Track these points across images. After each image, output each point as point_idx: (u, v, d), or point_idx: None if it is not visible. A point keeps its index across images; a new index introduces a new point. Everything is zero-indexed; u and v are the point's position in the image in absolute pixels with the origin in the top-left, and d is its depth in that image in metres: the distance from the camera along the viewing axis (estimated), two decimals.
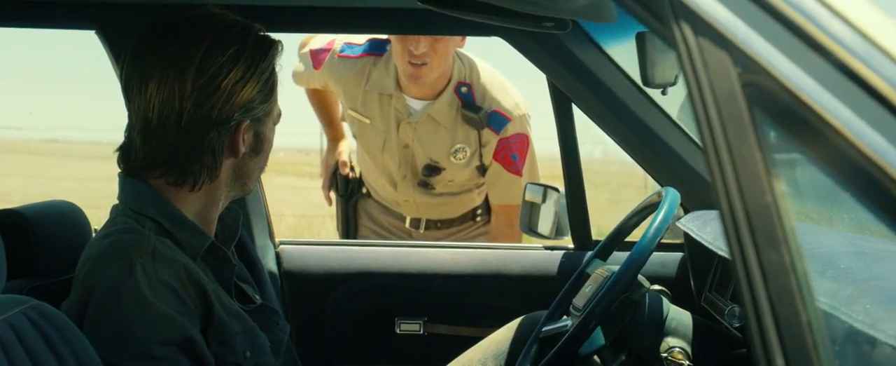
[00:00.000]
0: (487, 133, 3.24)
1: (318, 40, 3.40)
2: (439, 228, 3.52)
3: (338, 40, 3.36)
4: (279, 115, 1.89)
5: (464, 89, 3.20)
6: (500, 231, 3.43)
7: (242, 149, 1.79)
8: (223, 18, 1.79)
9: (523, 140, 3.28)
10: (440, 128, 3.25)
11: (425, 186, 3.38)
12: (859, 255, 1.47)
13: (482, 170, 3.33)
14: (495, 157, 3.27)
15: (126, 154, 1.80)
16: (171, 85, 1.72)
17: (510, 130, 3.24)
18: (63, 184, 13.41)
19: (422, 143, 3.28)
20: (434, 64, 3.09)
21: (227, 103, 1.73)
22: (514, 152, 3.26)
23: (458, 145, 3.25)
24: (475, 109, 3.20)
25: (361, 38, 3.32)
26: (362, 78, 3.29)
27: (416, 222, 3.52)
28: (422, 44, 3.02)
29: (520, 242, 3.43)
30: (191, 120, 1.72)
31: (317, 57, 3.38)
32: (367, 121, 3.34)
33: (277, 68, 1.83)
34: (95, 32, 2.29)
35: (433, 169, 3.31)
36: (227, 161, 1.80)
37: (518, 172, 3.30)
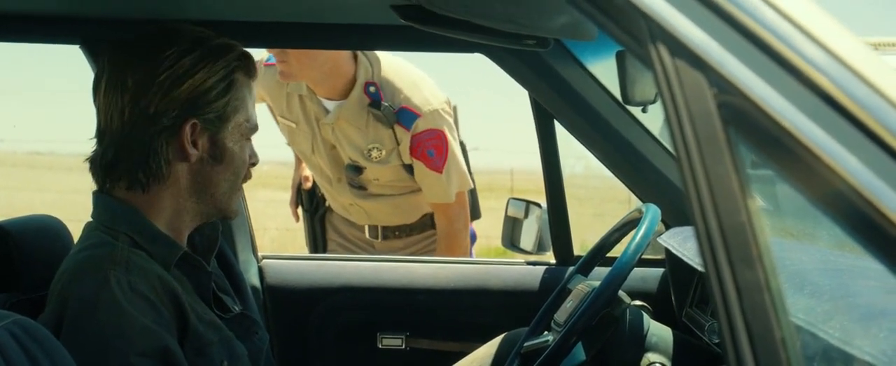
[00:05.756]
0: (400, 130, 3.21)
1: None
2: (398, 236, 3.49)
3: (269, 52, 3.37)
4: (250, 128, 1.88)
5: (372, 88, 3.18)
6: (442, 232, 3.39)
7: (192, 152, 1.79)
8: (185, 27, 1.83)
9: (438, 136, 3.23)
10: (353, 128, 3.24)
11: (358, 187, 3.38)
12: (836, 272, 1.48)
13: (409, 169, 3.31)
14: (413, 154, 3.24)
15: (92, 162, 1.84)
16: (115, 85, 1.76)
17: (421, 125, 3.20)
18: (45, 196, 13.34)
19: (341, 143, 3.28)
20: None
21: (165, 98, 1.75)
22: (429, 149, 3.23)
23: (371, 144, 3.23)
24: (381, 107, 3.18)
25: None
26: (283, 82, 3.30)
27: (373, 231, 3.50)
28: None
29: (467, 242, 3.41)
30: (130, 118, 1.76)
31: None
32: (294, 125, 3.35)
33: (236, 74, 1.84)
34: (80, 47, 2.30)
35: (356, 169, 3.31)
36: (180, 165, 1.80)
37: (438, 169, 3.25)
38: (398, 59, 3.30)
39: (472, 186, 3.42)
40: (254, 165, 1.92)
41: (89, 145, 1.85)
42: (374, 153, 3.24)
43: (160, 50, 1.77)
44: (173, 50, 1.76)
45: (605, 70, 2.40)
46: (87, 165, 1.84)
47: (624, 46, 0.97)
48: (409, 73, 3.27)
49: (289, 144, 3.54)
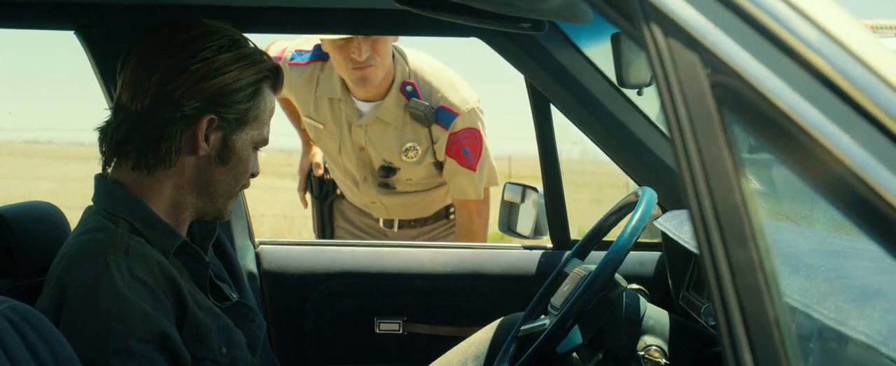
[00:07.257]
0: (437, 129, 3.24)
1: (274, 48, 3.41)
2: (413, 226, 3.53)
3: (289, 48, 3.37)
4: (261, 141, 1.89)
5: (409, 88, 3.20)
6: (463, 227, 3.42)
7: (202, 146, 1.79)
8: (225, 27, 1.84)
9: (474, 134, 3.28)
10: (390, 128, 3.25)
11: (386, 186, 3.39)
12: (831, 253, 1.48)
13: (439, 167, 3.34)
14: (448, 153, 3.27)
15: (102, 133, 1.83)
16: (146, 65, 1.76)
17: (459, 124, 3.24)
18: (43, 185, 13.34)
19: (374, 144, 3.29)
20: (378, 63, 3.10)
21: (193, 87, 1.75)
22: (465, 147, 3.26)
23: (408, 144, 3.26)
24: (421, 106, 3.20)
25: (310, 45, 3.33)
26: (312, 84, 3.31)
27: (389, 222, 3.53)
28: (363, 48, 3.04)
29: (485, 237, 3.44)
30: (152, 98, 1.75)
31: None
32: (321, 126, 3.36)
33: (264, 83, 1.84)
34: (75, 33, 2.29)
35: (389, 169, 3.32)
36: (188, 158, 1.81)
37: (472, 167, 3.29)
38: (431, 59, 3.31)
39: (498, 183, 3.44)
40: (254, 175, 1.93)
41: (86, 134, 1.86)
42: (411, 153, 3.26)
43: (199, 41, 1.77)
44: (212, 44, 1.77)
45: (600, 53, 2.40)
46: (84, 150, 1.84)
47: (617, 27, 0.97)
48: (445, 72, 3.29)
49: (313, 142, 3.55)
